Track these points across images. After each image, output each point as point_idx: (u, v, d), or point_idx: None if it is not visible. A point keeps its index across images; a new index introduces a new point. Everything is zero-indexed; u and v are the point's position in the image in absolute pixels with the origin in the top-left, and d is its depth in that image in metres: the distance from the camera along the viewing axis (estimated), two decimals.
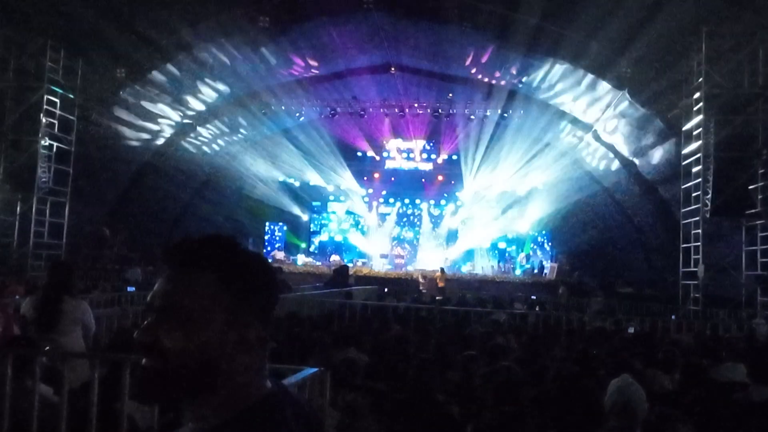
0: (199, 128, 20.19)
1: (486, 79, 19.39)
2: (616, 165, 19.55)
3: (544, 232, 24.20)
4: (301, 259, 24.05)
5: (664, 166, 16.72)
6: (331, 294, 12.28)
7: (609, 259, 21.73)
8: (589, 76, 15.40)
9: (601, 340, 6.93)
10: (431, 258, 23.69)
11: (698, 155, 13.50)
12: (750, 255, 13.37)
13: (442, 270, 19.24)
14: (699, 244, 13.45)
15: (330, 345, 5.53)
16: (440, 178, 26.11)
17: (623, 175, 19.42)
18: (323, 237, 26.80)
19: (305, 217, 26.78)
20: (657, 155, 17.09)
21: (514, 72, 17.91)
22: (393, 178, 26.49)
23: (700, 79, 13.21)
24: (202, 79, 17.42)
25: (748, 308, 12.76)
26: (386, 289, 16.63)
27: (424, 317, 9.08)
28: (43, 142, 14.31)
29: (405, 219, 26.63)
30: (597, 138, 19.09)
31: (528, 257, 24.09)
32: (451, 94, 21.18)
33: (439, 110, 21.81)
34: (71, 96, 14.86)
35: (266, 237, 25.24)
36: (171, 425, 2.81)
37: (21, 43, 14.10)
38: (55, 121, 14.61)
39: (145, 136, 18.57)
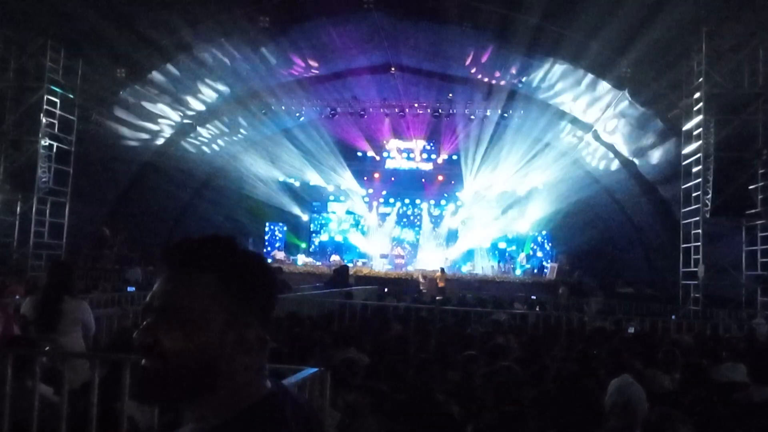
0: (199, 128, 20.20)
1: (486, 79, 19.38)
2: (616, 165, 19.55)
3: (544, 232, 24.19)
4: (301, 259, 24.04)
5: (664, 166, 16.71)
6: (331, 294, 12.28)
7: (609, 259, 21.73)
8: (589, 76, 15.40)
9: (601, 340, 6.93)
10: (431, 258, 23.68)
11: (698, 155, 13.49)
12: (750, 255, 13.37)
13: (442, 270, 19.23)
14: (699, 244, 13.45)
15: (330, 345, 5.54)
16: (440, 178, 26.10)
17: (623, 175, 19.41)
18: (323, 237, 26.79)
19: (305, 217, 26.78)
20: (657, 155, 17.09)
21: (514, 72, 17.91)
22: (393, 178, 26.48)
23: (700, 79, 13.21)
24: (202, 80, 17.42)
25: (748, 308, 12.76)
26: (386, 289, 16.64)
27: (424, 317, 9.07)
28: (43, 142, 14.30)
29: (405, 219, 26.62)
30: (597, 138, 19.09)
31: (528, 257, 24.09)
32: (451, 94, 21.17)
33: (439, 110, 21.81)
34: (71, 96, 14.86)
35: (266, 237, 25.23)
36: (171, 425, 2.80)
37: (21, 43, 14.10)
38: (55, 121, 14.61)
39: (145, 136, 18.57)
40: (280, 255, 23.48)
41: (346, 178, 25.43)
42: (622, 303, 14.58)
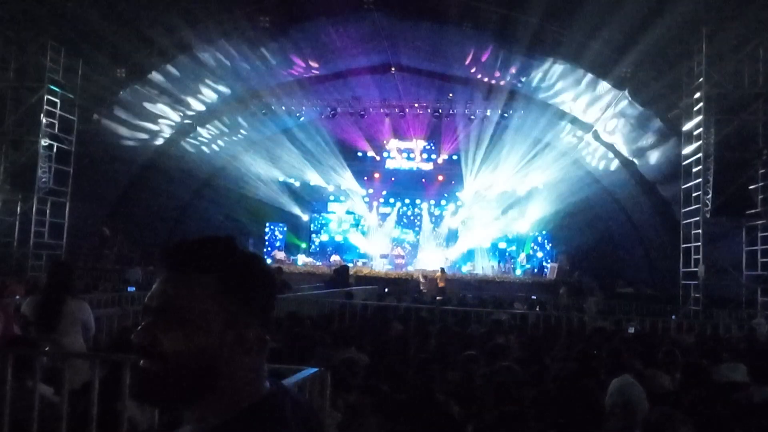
0: (199, 128, 20.19)
1: (486, 79, 19.38)
2: (616, 165, 19.54)
3: (544, 232, 24.19)
4: (301, 259, 24.04)
5: (664, 166, 16.71)
6: (332, 294, 12.29)
7: (609, 259, 21.73)
8: (589, 76, 15.40)
9: (601, 340, 6.93)
10: (431, 258, 23.68)
11: (698, 155, 13.49)
12: (750, 255, 13.37)
13: (443, 270, 19.23)
14: (699, 244, 13.44)
15: (330, 345, 5.54)
16: (440, 178, 26.09)
17: (623, 175, 19.41)
18: (323, 237, 26.78)
19: (305, 217, 26.77)
20: (657, 155, 17.08)
21: (514, 72, 17.89)
22: (393, 178, 26.46)
23: (700, 79, 13.20)
24: (202, 80, 17.42)
25: (748, 308, 12.77)
26: (386, 290, 16.66)
27: (424, 317, 9.08)
28: (43, 142, 14.30)
29: (405, 219, 26.61)
30: (597, 138, 19.08)
31: (528, 257, 24.09)
32: (451, 94, 21.17)
33: (439, 110, 21.80)
34: (71, 96, 14.86)
35: (266, 237, 25.23)
36: (171, 425, 2.80)
37: (21, 43, 14.09)
38: (55, 121, 14.61)
39: (145, 136, 18.57)
40: (281, 255, 23.48)
41: (346, 178, 25.42)
42: (622, 303, 14.58)
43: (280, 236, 25.43)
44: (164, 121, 18.53)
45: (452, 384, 4.46)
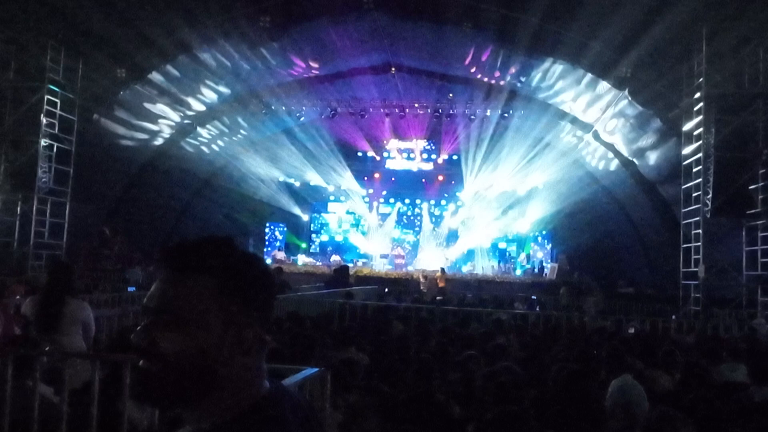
0: (199, 128, 20.19)
1: (486, 79, 19.37)
2: (616, 165, 19.54)
3: (544, 232, 24.19)
4: (301, 259, 24.04)
5: (664, 166, 16.70)
6: (332, 294, 12.28)
7: (609, 259, 21.72)
8: (589, 76, 15.40)
9: (601, 340, 6.93)
10: (431, 258, 23.68)
11: (698, 155, 13.49)
12: (750, 255, 13.37)
13: (443, 270, 19.23)
14: (699, 244, 13.44)
15: (330, 345, 5.54)
16: (440, 178, 26.08)
17: (623, 175, 19.40)
18: (323, 237, 26.78)
19: (305, 217, 26.77)
20: (657, 155, 17.08)
21: (514, 72, 17.89)
22: (393, 178, 26.46)
23: (700, 79, 13.21)
24: (202, 80, 17.41)
25: (748, 308, 12.77)
26: (387, 289, 16.64)
27: (424, 317, 9.08)
28: (43, 142, 14.31)
29: (405, 219, 26.62)
30: (597, 138, 19.08)
31: (528, 257, 24.09)
32: (451, 94, 21.16)
33: (439, 110, 21.79)
34: (71, 96, 14.87)
35: (266, 237, 25.24)
36: (171, 425, 2.80)
37: (21, 43, 14.09)
38: (55, 121, 14.62)
39: (145, 136, 18.57)
40: (281, 255, 23.49)
41: (346, 178, 25.41)
42: (622, 303, 14.58)
43: (280, 236, 25.43)
44: (164, 121, 18.53)
45: (452, 384, 4.46)
